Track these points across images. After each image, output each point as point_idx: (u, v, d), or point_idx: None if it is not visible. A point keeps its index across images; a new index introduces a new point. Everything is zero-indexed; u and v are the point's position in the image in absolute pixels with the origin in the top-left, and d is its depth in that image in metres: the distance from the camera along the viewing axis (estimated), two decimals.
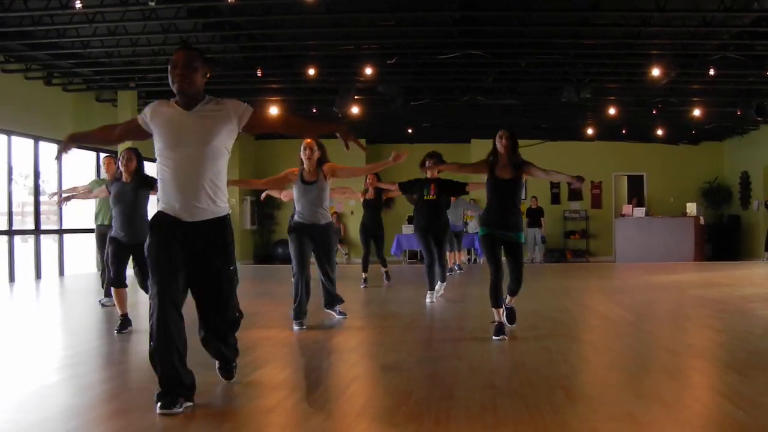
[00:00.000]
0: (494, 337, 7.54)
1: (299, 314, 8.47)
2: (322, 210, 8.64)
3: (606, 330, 8.62)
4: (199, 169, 4.87)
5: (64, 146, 5.07)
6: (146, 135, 5.02)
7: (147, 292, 8.20)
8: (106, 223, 10.93)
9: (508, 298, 8.00)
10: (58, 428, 4.48)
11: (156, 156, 4.95)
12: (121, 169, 8.52)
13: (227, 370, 5.48)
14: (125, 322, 8.28)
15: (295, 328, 8.35)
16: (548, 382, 5.63)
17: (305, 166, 8.63)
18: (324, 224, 8.66)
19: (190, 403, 4.79)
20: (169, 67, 4.90)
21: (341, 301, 9.25)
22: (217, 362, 5.45)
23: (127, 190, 8.40)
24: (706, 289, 12.68)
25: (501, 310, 7.72)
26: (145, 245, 4.93)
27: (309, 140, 8.63)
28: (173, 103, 4.97)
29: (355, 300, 11.44)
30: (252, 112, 5.07)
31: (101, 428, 4.54)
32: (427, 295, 10.95)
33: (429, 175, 10.87)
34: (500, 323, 7.67)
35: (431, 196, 10.89)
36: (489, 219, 7.77)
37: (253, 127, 5.09)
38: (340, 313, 9.19)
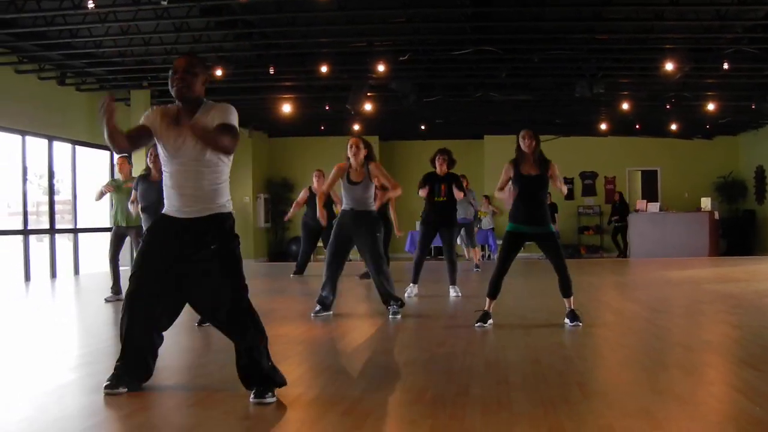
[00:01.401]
0: (476, 324, 8.03)
1: (321, 299, 9.05)
2: (366, 204, 9.00)
3: (621, 326, 8.61)
4: (197, 178, 5.01)
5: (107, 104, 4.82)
6: (152, 138, 5.12)
7: None
8: (123, 224, 11.08)
9: (565, 301, 8.17)
10: (76, 427, 4.50)
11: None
12: (150, 166, 8.76)
13: (261, 391, 4.97)
14: None
15: (312, 313, 9.00)
16: (563, 378, 5.63)
17: (352, 163, 8.96)
18: (364, 210, 8.96)
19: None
20: (170, 73, 5.02)
21: (396, 299, 9.10)
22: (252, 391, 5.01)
23: (153, 189, 8.48)
24: (721, 285, 12.64)
25: (493, 301, 8.14)
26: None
27: (355, 139, 9.04)
28: (173, 110, 5.08)
29: (368, 296, 11.45)
30: (220, 122, 4.92)
31: (118, 426, 4.57)
32: (408, 288, 11.18)
33: (439, 171, 11.01)
34: (486, 312, 8.11)
35: (442, 197, 11.02)
36: (515, 214, 8.03)
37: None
38: (394, 312, 8.97)
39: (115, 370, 5.24)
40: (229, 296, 5.06)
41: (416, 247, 11.49)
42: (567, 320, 8.05)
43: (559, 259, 8.05)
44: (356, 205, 8.94)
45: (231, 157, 5.14)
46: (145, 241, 5.21)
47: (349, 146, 8.99)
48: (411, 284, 11.26)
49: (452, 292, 11.08)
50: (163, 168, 5.14)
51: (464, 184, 15.33)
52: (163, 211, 5.20)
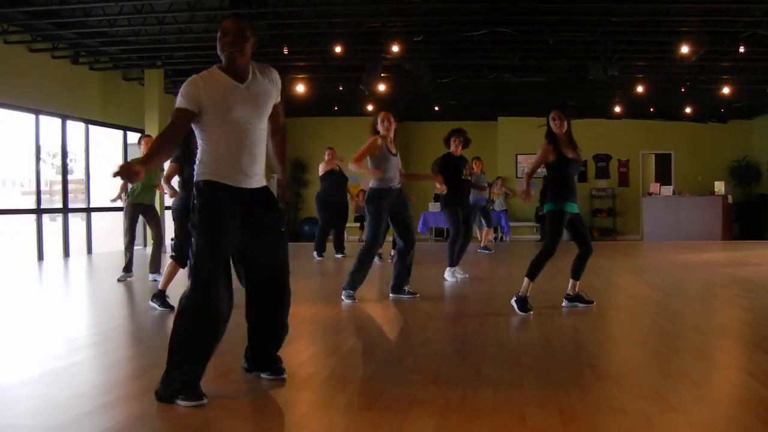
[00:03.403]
0: (525, 312, 7.66)
1: (353, 284, 8.78)
2: (398, 179, 8.89)
3: (633, 309, 8.59)
4: (255, 141, 4.77)
5: (128, 177, 4.39)
6: (195, 117, 4.65)
7: (180, 261, 8.23)
8: (145, 202, 11.11)
9: (577, 285, 8.08)
10: (89, 404, 4.52)
11: (202, 128, 4.67)
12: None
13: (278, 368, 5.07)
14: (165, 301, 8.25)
15: (347, 301, 8.67)
16: (575, 360, 5.63)
17: (389, 136, 8.85)
18: (401, 186, 8.91)
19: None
20: (218, 34, 4.71)
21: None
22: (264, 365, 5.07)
23: None
24: (735, 268, 12.60)
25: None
26: (196, 219, 4.66)
27: (386, 112, 8.92)
28: (219, 73, 4.72)
29: (381, 277, 11.46)
30: (280, 101, 5.00)
31: (131, 404, 4.59)
32: (450, 272, 10.90)
33: (455, 152, 10.93)
34: (526, 297, 7.82)
35: (467, 176, 10.97)
36: (567, 195, 7.76)
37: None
38: (410, 293, 9.06)
39: (185, 381, 4.56)
40: (285, 265, 4.98)
41: (452, 229, 11.03)
42: (578, 303, 8.04)
43: (589, 234, 8.01)
44: (394, 182, 8.78)
45: None
46: (211, 222, 4.66)
47: (381, 120, 8.82)
48: (452, 268, 10.94)
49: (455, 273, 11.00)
50: (214, 134, 4.67)
51: (480, 167, 15.39)
52: (212, 179, 4.68)
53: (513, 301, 7.77)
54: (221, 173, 4.68)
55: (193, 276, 4.65)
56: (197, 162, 4.76)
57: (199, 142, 4.75)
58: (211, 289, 4.58)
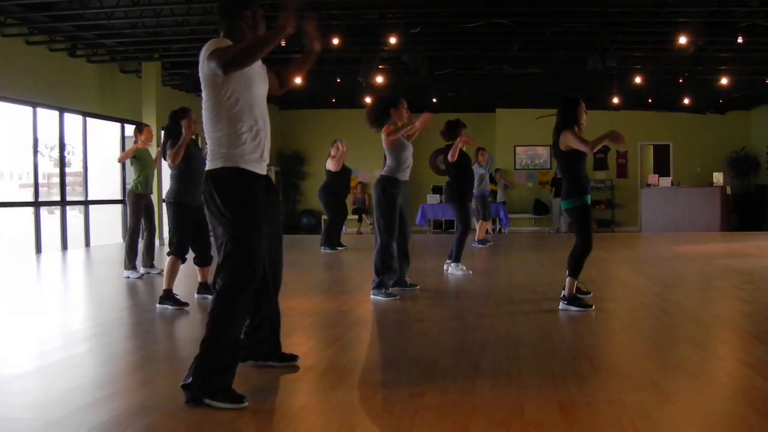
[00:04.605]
0: (588, 309, 7.45)
1: (384, 284, 8.46)
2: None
3: (631, 300, 8.60)
4: (268, 124, 4.67)
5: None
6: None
7: (179, 255, 8.15)
8: (148, 192, 11.03)
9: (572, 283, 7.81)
10: (86, 397, 4.53)
11: (228, 103, 4.46)
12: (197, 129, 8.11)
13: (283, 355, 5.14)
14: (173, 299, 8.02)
15: (387, 299, 8.30)
16: (573, 352, 5.63)
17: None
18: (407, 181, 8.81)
19: None
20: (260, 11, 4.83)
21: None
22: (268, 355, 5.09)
23: (198, 152, 8.19)
24: (733, 260, 12.59)
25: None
26: (242, 214, 4.42)
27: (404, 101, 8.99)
28: None
29: None
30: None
31: (129, 397, 4.59)
32: (456, 266, 10.65)
33: (462, 145, 10.84)
34: (579, 295, 7.67)
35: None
36: (587, 187, 7.69)
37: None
38: (412, 284, 9.01)
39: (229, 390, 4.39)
40: (281, 252, 5.01)
41: (461, 224, 10.75)
42: (572, 307, 7.87)
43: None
44: (407, 174, 8.73)
45: None
46: (254, 216, 4.45)
47: (403, 107, 9.05)
48: (458, 263, 10.64)
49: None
50: (244, 112, 4.48)
51: (485, 157, 15.44)
52: (247, 167, 4.47)
53: (564, 306, 7.44)
54: (250, 160, 4.48)
55: (240, 266, 4.40)
56: (216, 147, 4.48)
57: (218, 126, 4.48)
58: (249, 295, 4.47)
